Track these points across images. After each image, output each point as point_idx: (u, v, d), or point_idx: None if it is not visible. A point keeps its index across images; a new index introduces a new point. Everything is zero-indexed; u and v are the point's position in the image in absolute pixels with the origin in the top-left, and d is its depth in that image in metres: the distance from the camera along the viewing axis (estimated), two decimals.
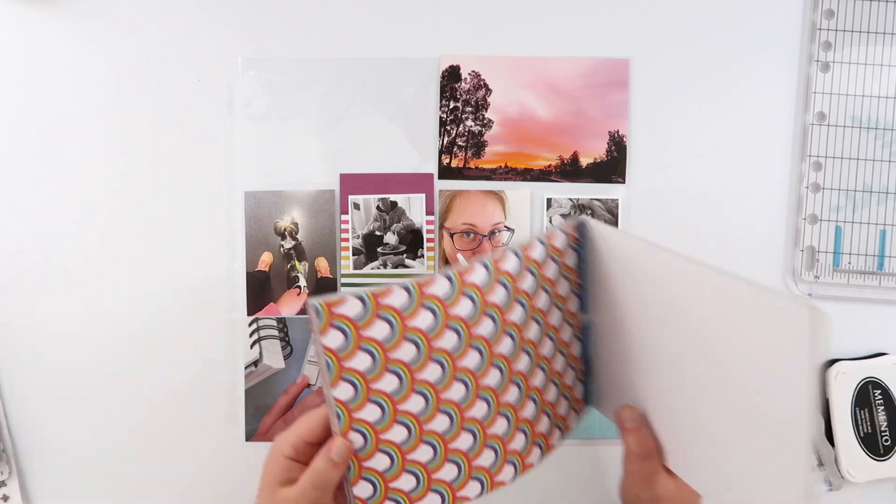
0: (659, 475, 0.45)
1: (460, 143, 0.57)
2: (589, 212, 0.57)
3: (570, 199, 0.57)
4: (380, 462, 0.40)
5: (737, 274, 0.37)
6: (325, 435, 0.41)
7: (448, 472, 0.43)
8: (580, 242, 0.46)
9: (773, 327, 0.35)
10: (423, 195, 0.57)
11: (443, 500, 0.43)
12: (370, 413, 0.39)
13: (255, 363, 0.57)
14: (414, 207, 0.57)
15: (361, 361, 0.38)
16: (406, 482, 0.42)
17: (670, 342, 0.42)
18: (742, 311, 0.36)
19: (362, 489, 0.41)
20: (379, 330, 0.38)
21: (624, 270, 0.44)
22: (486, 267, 0.41)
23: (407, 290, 0.39)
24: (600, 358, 0.49)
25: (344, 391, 0.38)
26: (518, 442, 0.45)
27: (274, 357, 0.57)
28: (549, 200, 0.57)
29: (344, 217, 0.57)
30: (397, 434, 0.40)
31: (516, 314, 0.43)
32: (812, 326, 0.33)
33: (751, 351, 0.36)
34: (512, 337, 0.43)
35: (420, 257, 0.57)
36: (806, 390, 0.33)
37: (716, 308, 0.38)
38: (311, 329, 0.39)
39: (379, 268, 0.57)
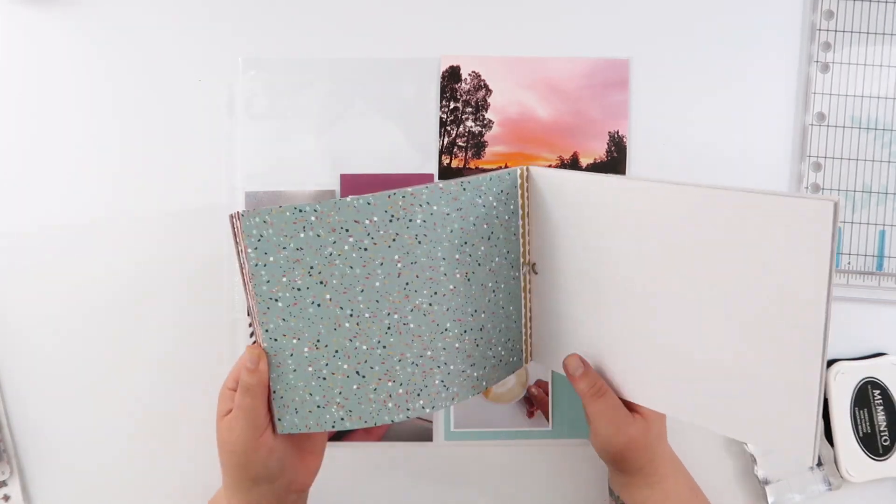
0: (622, 414, 0.47)
1: (460, 144, 0.57)
2: None
3: None
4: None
5: (742, 187, 0.38)
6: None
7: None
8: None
9: (797, 228, 0.36)
10: None
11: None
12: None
13: None
14: None
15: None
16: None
17: (646, 274, 0.43)
18: (758, 223, 0.37)
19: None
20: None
21: (579, 214, 0.46)
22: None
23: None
24: (541, 308, 0.50)
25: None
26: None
27: None
28: None
29: None
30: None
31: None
32: (833, 218, 0.34)
33: (768, 260, 0.37)
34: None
35: None
36: (826, 289, 0.35)
37: (722, 227, 0.39)
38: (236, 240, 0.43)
39: None
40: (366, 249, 0.43)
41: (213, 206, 0.57)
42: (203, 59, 0.56)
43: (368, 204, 0.43)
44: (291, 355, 0.44)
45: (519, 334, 0.51)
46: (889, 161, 0.57)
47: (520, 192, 0.48)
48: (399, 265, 0.44)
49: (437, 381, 0.46)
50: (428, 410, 0.46)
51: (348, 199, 0.43)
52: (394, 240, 0.43)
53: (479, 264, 0.47)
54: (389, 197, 0.44)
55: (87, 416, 0.57)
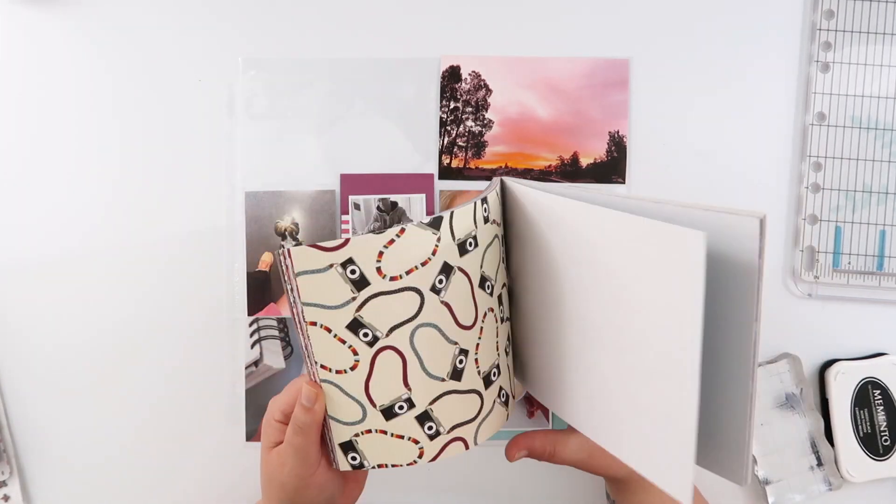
0: (586, 444, 0.46)
1: (460, 144, 0.57)
2: None
3: None
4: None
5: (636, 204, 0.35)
6: None
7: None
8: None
9: (661, 254, 0.33)
10: (424, 195, 0.57)
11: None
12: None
13: (256, 363, 0.57)
14: (414, 208, 0.57)
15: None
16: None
17: (565, 292, 0.41)
18: (636, 246, 0.34)
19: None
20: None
21: (532, 227, 0.43)
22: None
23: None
24: (519, 330, 0.48)
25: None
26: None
27: (274, 357, 0.57)
28: None
29: (344, 217, 0.57)
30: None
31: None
32: (696, 249, 0.30)
33: (645, 288, 0.34)
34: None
35: None
36: (692, 319, 0.31)
37: (609, 246, 0.36)
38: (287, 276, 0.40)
39: None
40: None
41: (214, 205, 0.57)
42: (203, 59, 0.56)
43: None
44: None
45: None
46: (889, 161, 0.57)
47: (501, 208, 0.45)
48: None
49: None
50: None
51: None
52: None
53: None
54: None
55: (87, 417, 0.57)
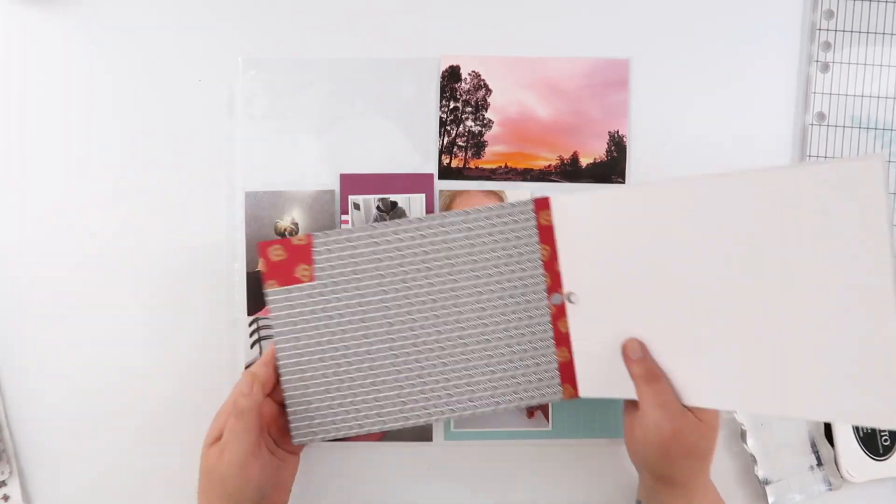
0: (674, 401, 0.45)
1: (460, 144, 0.57)
2: None
3: None
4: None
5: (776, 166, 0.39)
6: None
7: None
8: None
9: (849, 191, 0.36)
10: (424, 195, 0.57)
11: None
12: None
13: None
14: (414, 207, 0.57)
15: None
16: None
17: (700, 273, 0.43)
18: (809, 194, 0.38)
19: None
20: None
21: (613, 231, 0.46)
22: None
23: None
24: (584, 337, 0.50)
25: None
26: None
27: None
28: None
29: (344, 217, 0.57)
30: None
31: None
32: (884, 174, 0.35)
33: (824, 232, 0.38)
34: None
35: None
36: (889, 236, 0.36)
37: (778, 206, 0.39)
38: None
39: None
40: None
41: (214, 205, 0.57)
42: (203, 59, 0.56)
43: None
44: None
45: (550, 364, 0.51)
46: (889, 161, 0.57)
47: (536, 220, 0.51)
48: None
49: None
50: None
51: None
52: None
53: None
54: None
55: (87, 417, 0.57)
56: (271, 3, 0.57)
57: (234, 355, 0.57)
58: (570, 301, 0.50)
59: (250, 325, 0.57)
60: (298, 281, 0.50)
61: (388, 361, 0.50)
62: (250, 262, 0.57)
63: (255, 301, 0.57)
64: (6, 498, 0.56)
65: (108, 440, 0.57)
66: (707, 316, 0.44)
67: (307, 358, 0.50)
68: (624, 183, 0.57)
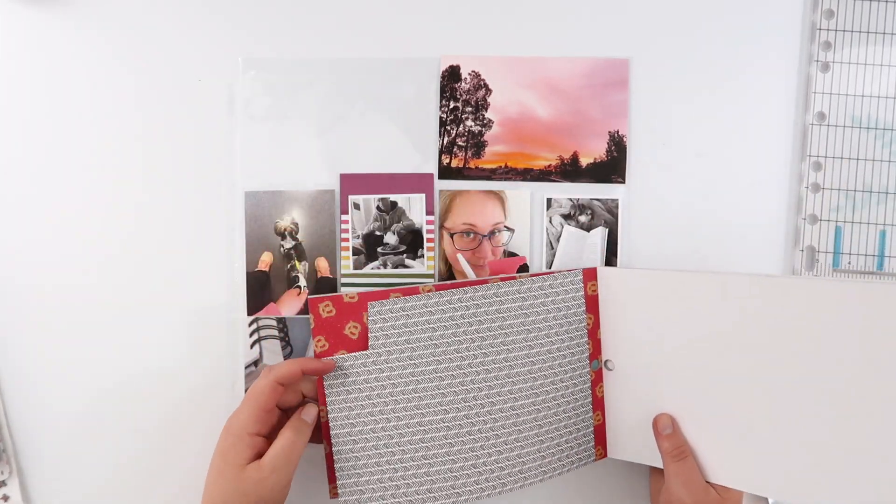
0: (699, 480, 0.48)
1: (460, 143, 0.57)
2: (589, 212, 0.57)
3: (571, 200, 0.57)
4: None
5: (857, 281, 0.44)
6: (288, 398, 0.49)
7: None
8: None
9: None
10: (423, 195, 0.57)
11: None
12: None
13: (255, 363, 0.57)
14: (414, 207, 0.57)
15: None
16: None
17: (746, 363, 0.46)
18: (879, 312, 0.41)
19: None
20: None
21: (661, 310, 0.50)
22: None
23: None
24: (616, 403, 0.53)
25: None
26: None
27: (274, 357, 0.57)
28: (549, 200, 0.57)
29: (344, 217, 0.57)
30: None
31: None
32: None
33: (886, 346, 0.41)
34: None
35: (420, 257, 0.57)
36: None
37: (838, 316, 0.43)
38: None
39: (379, 268, 0.57)
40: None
41: (213, 205, 0.57)
42: (203, 59, 0.56)
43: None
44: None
45: (587, 428, 0.53)
46: (889, 161, 0.57)
47: (584, 289, 0.52)
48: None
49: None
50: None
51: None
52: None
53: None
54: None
55: (87, 417, 0.57)
56: (271, 3, 0.57)
57: (234, 355, 0.57)
58: (608, 368, 0.52)
59: (250, 325, 0.57)
60: (347, 338, 0.49)
61: (440, 434, 0.49)
62: (250, 262, 0.57)
63: (255, 301, 0.57)
64: (6, 498, 0.56)
65: (107, 440, 0.57)
66: (737, 401, 0.47)
67: (359, 428, 0.49)
68: (624, 183, 0.57)
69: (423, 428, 0.49)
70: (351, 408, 0.49)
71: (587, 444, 0.53)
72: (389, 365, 0.49)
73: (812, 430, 0.44)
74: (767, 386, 0.45)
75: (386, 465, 0.49)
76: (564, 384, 0.51)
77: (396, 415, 0.49)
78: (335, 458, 0.49)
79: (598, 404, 0.53)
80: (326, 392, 0.49)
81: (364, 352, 0.48)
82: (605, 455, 0.53)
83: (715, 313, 0.47)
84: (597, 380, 0.53)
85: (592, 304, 0.52)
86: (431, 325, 0.49)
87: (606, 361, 0.53)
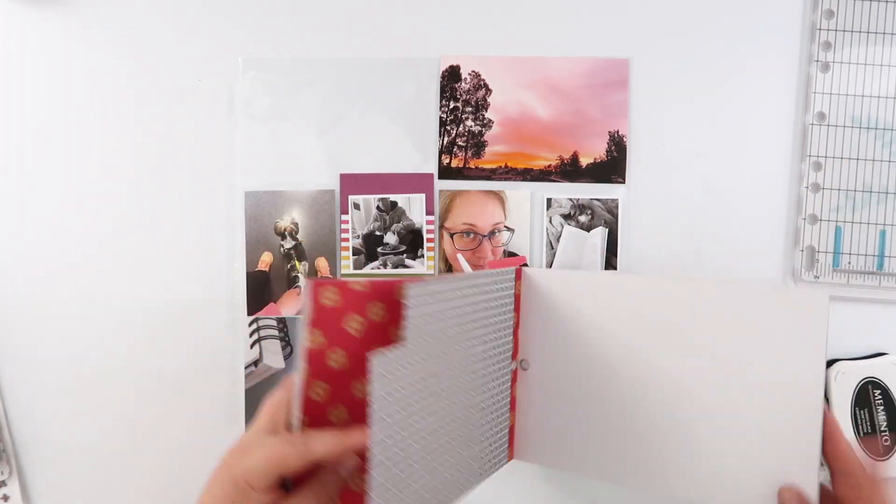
0: None
1: (460, 143, 0.57)
2: (589, 212, 0.57)
3: (570, 199, 0.57)
4: None
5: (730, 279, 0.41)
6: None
7: None
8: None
9: (793, 317, 0.41)
10: (423, 195, 0.57)
11: None
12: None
13: (256, 363, 0.57)
14: (414, 207, 0.57)
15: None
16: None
17: (645, 362, 0.46)
18: (758, 312, 0.42)
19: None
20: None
21: (575, 310, 0.49)
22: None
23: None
24: (529, 404, 0.51)
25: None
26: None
27: (274, 357, 0.57)
28: (549, 200, 0.57)
29: (344, 217, 0.57)
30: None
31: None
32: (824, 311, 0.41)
33: (768, 343, 0.42)
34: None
35: (420, 257, 0.57)
36: (820, 373, 0.41)
37: (723, 315, 0.43)
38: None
39: (379, 268, 0.57)
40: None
41: (213, 205, 0.57)
42: (203, 59, 0.56)
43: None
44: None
45: (505, 430, 0.49)
46: (889, 161, 0.57)
47: (514, 289, 0.49)
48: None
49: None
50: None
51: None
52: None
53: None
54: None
55: (87, 417, 0.57)
56: (271, 3, 0.57)
57: (234, 355, 0.57)
58: (522, 367, 0.51)
59: (250, 324, 0.57)
60: (347, 335, 0.40)
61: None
62: (250, 261, 0.57)
63: (255, 301, 0.57)
64: (6, 498, 0.56)
65: (108, 440, 0.57)
66: (650, 405, 0.46)
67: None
68: (624, 183, 0.57)
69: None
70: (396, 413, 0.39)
71: (503, 447, 0.49)
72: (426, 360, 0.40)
73: (707, 424, 0.44)
74: (662, 385, 0.45)
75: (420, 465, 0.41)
76: (495, 383, 0.48)
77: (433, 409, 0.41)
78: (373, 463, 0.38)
79: (513, 404, 0.50)
80: (372, 396, 0.36)
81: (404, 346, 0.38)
82: (512, 457, 0.50)
83: (617, 315, 0.47)
84: (514, 379, 0.50)
85: (517, 303, 0.50)
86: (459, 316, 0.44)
87: (522, 361, 0.51)
